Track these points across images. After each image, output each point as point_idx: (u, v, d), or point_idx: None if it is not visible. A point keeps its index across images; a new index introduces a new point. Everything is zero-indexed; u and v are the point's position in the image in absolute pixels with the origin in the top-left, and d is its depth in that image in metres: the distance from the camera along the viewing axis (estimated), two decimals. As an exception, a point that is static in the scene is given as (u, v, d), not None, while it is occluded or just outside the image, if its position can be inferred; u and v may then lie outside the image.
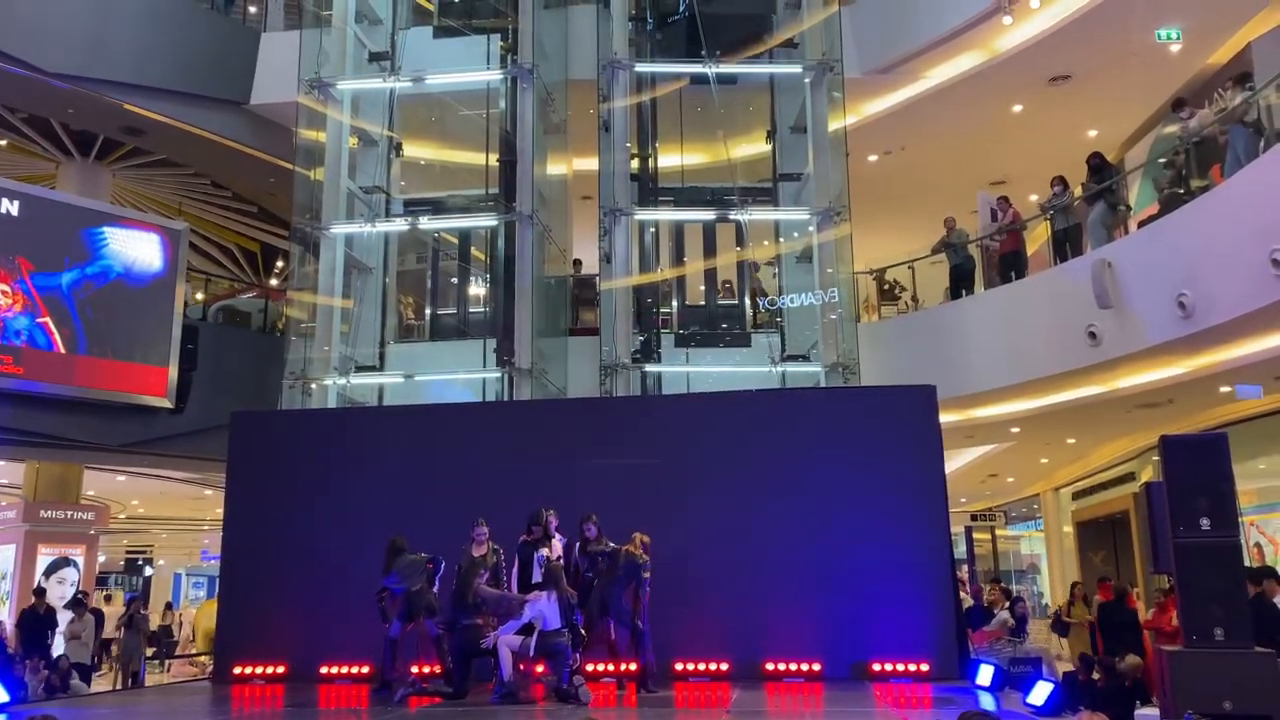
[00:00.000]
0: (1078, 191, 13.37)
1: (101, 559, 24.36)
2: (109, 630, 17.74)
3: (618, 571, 8.94)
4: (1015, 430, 15.81)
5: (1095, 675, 10.92)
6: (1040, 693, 7.49)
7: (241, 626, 10.84)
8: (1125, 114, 15.26)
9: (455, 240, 15.33)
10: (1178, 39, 13.02)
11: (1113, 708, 9.16)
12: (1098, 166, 12.98)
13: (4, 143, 18.09)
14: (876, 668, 9.64)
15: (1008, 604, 14.78)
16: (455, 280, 15.71)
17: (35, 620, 14.38)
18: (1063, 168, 13.79)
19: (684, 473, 10.47)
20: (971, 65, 14.24)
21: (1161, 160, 12.49)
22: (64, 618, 14.98)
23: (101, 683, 15.60)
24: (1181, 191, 11.39)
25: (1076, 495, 21.63)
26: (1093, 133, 15.58)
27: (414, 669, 9.38)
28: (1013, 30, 13.46)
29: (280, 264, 23.12)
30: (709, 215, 14.20)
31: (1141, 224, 12.14)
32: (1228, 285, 9.72)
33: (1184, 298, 10.13)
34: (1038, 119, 15.21)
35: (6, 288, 13.84)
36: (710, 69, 13.68)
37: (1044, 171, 14.24)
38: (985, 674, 8.86)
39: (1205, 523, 6.85)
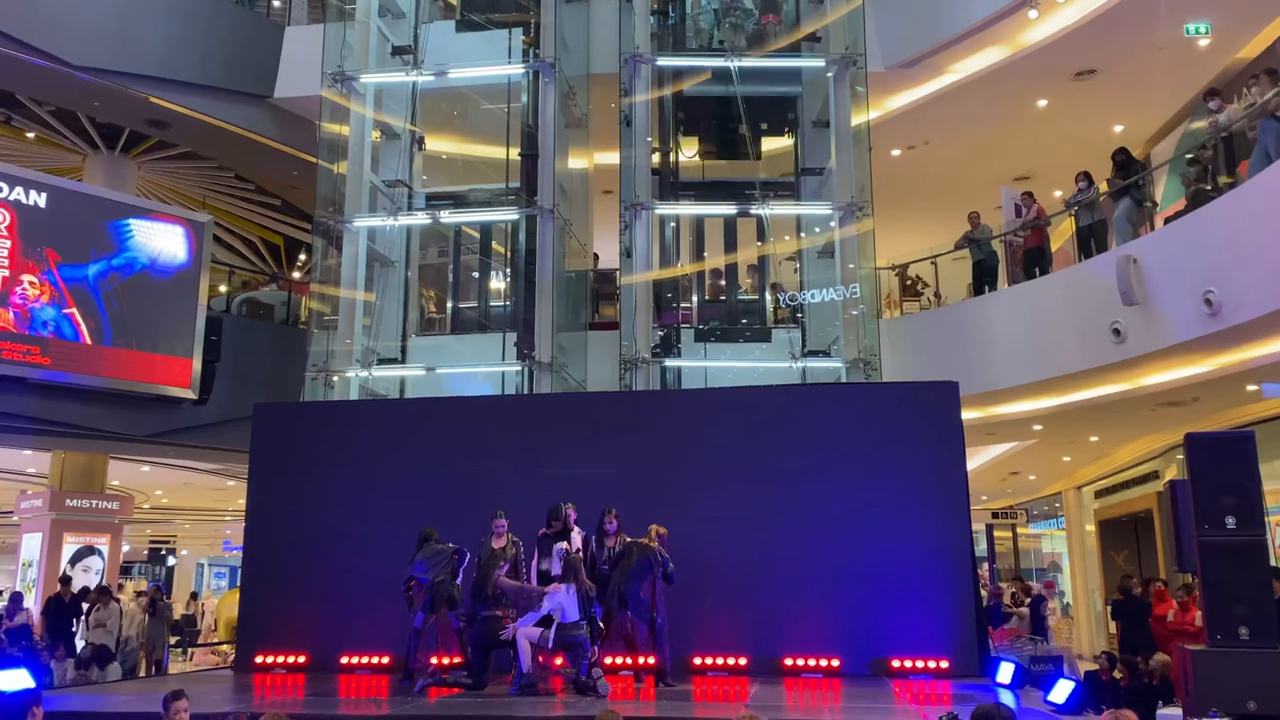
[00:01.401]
0: (1103, 187, 13.25)
1: (125, 548, 24.61)
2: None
3: (633, 565, 8.95)
4: (1037, 428, 15.70)
5: (1118, 674, 10.85)
6: (1061, 691, 7.45)
7: (263, 616, 10.94)
8: (1152, 109, 15.10)
9: (477, 234, 15.37)
10: (1206, 33, 12.87)
11: (1134, 706, 9.09)
12: (1123, 162, 12.85)
13: (32, 135, 18.28)
14: (896, 664, 9.63)
15: (1028, 600, 14.74)
16: (476, 274, 15.75)
17: (60, 608, 14.56)
18: (1088, 163, 13.66)
19: (703, 468, 10.48)
20: (996, 59, 14.12)
21: (1188, 156, 12.35)
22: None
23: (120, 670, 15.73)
24: (1208, 188, 11.26)
25: (1099, 494, 21.47)
26: (1118, 128, 15.43)
27: (434, 660, 9.44)
28: (1038, 24, 13.34)
29: (303, 257, 23.26)
30: (730, 210, 14.17)
31: (1168, 220, 12.01)
32: (1255, 282, 9.60)
33: (1210, 295, 10.01)
34: (1063, 114, 15.07)
35: (34, 279, 13.99)
36: (732, 63, 13.65)
37: (1069, 167, 14.11)
38: (1005, 671, 8.82)
39: (1230, 521, 6.77)
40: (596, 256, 16.28)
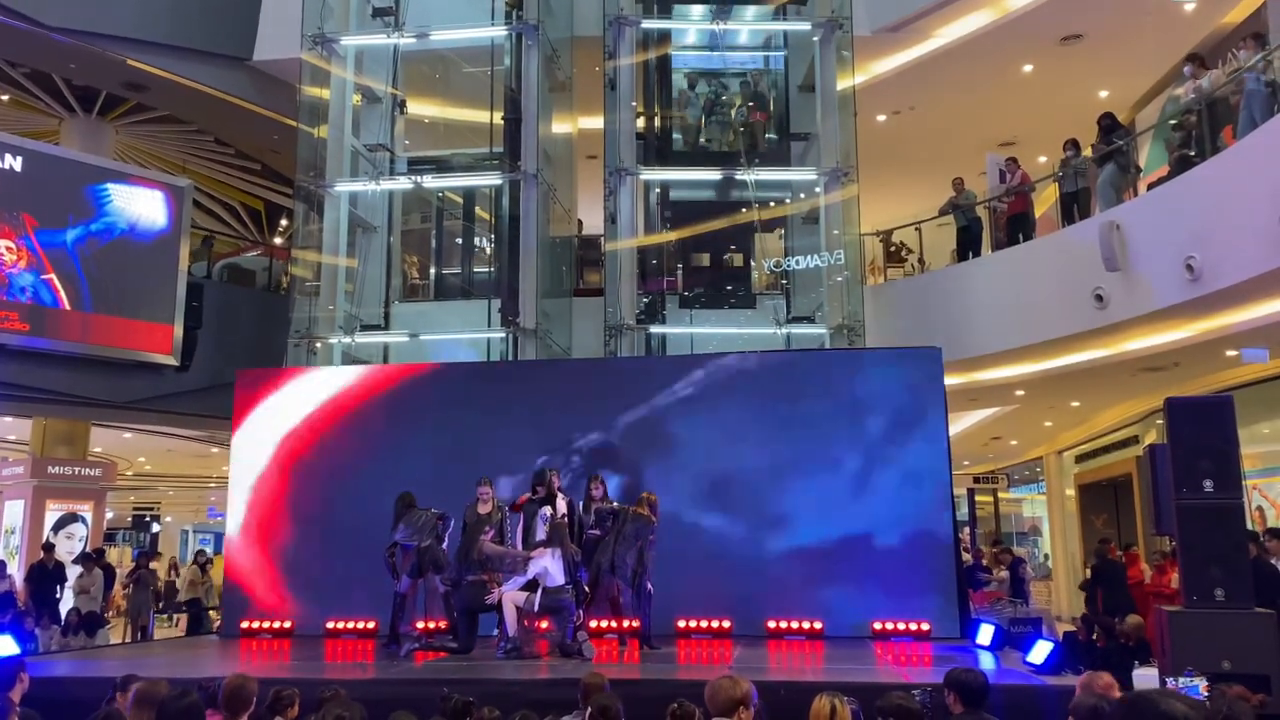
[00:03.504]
0: (1088, 153, 13.24)
1: (109, 515, 24.55)
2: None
3: (624, 530, 9.01)
4: (1020, 393, 15.80)
5: (1094, 636, 11.01)
6: (1040, 652, 7.55)
7: (248, 583, 10.96)
8: (1137, 74, 15.06)
9: (460, 199, 15.26)
10: (1192, -3, 12.82)
11: (1111, 668, 9.24)
12: (1109, 127, 12.84)
13: (6, 98, 17.97)
14: (877, 627, 9.74)
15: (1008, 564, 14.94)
16: (460, 240, 15.66)
17: (44, 574, 14.53)
18: (1073, 129, 13.63)
19: (688, 432, 10.52)
20: (982, 24, 14.01)
21: (1172, 121, 12.35)
22: (72, 571, 15.16)
23: (110, 636, 15.76)
24: (1192, 153, 11.27)
25: (1079, 458, 21.67)
26: (1104, 93, 15.39)
27: (420, 624, 9.49)
28: (1025, -12, 13.25)
29: (284, 222, 23.05)
30: (715, 175, 14.11)
31: (1151, 186, 12.03)
32: (1237, 248, 9.65)
33: (1192, 260, 10.06)
34: (1048, 79, 15.01)
35: (11, 244, 13.81)
36: (717, 27, 13.53)
37: (1054, 133, 14.09)
38: (985, 633, 8.94)
39: (1208, 485, 6.85)
40: (580, 222, 16.20)
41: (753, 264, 14.85)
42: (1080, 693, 4.46)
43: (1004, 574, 14.69)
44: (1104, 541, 14.43)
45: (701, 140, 14.59)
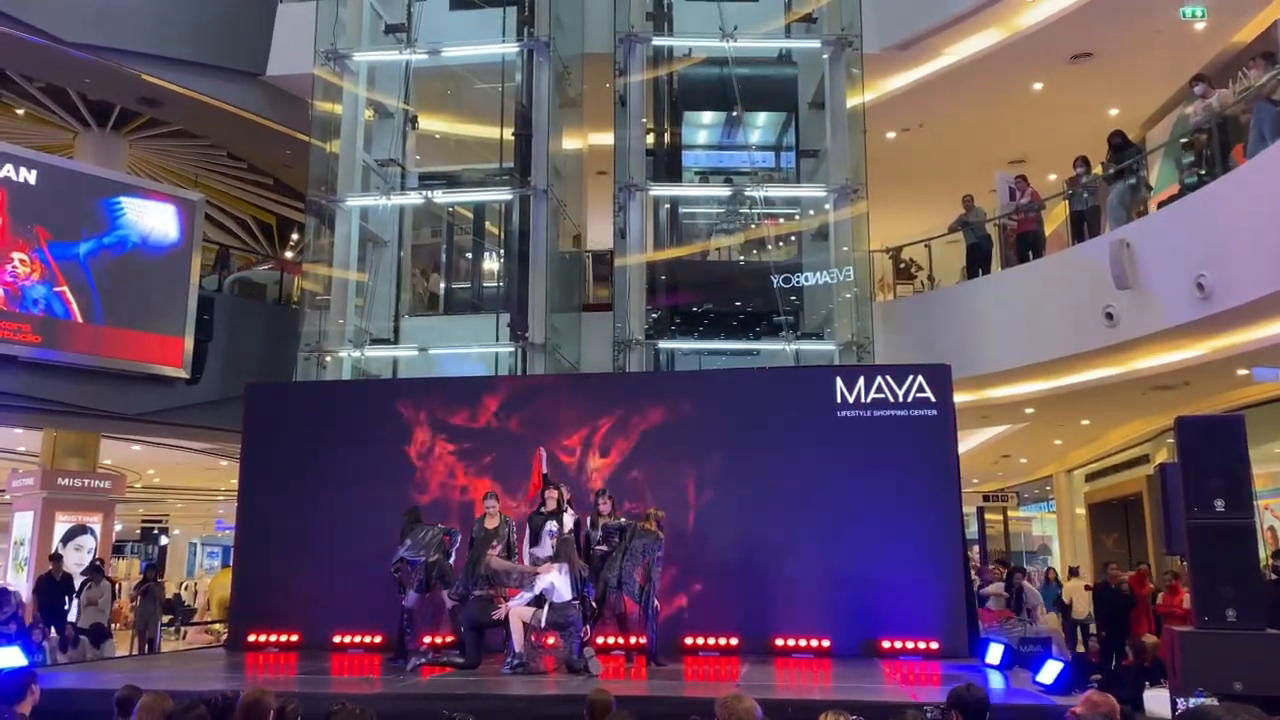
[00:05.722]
0: (1098, 170, 13.24)
1: (118, 527, 24.58)
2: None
3: (630, 546, 8.98)
4: (1029, 411, 15.74)
5: (1094, 653, 10.94)
6: (1050, 672, 7.50)
7: (256, 595, 10.96)
8: (1147, 93, 15.06)
9: (470, 214, 15.32)
10: (1202, 17, 12.81)
11: (1126, 687, 9.19)
12: (1120, 145, 12.83)
13: (22, 112, 18.13)
14: (886, 645, 9.68)
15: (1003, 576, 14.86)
16: (469, 254, 15.71)
17: (52, 586, 14.55)
18: (1083, 147, 13.64)
19: (695, 449, 10.50)
20: (992, 42, 14.05)
21: (1183, 140, 12.34)
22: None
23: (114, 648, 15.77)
24: (1203, 171, 11.25)
25: (1090, 477, 21.57)
26: (1114, 111, 15.39)
27: (427, 639, 9.48)
28: (1034, 6, 13.28)
29: (296, 236, 23.16)
30: (725, 191, 14.15)
31: (1161, 204, 12.01)
32: (1248, 266, 9.62)
33: (1203, 279, 10.03)
34: (1058, 97, 15.03)
35: (25, 256, 13.90)
36: (728, 44, 13.58)
37: (1064, 151, 14.09)
38: (995, 653, 8.88)
39: (1219, 504, 6.81)
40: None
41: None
42: (1081, 708, 4.42)
43: (998, 587, 14.54)
44: (1108, 566, 14.45)
45: (712, 255, 14.72)
